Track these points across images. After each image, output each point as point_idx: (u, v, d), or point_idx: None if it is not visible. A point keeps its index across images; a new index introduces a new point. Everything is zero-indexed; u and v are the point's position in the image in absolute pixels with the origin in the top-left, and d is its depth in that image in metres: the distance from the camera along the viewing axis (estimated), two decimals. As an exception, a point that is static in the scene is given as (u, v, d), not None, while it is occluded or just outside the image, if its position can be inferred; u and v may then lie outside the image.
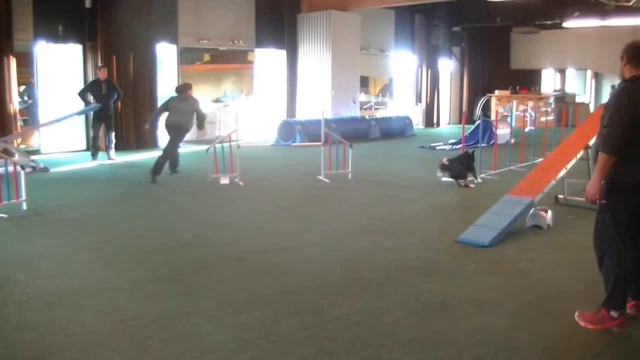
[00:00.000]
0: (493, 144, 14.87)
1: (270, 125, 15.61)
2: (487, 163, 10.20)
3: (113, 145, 11.64)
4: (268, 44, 16.31)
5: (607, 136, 3.44)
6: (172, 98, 9.56)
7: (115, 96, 11.50)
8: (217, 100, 16.52)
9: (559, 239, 5.86)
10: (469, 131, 15.41)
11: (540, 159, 12.03)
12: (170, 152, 9.39)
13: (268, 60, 16.68)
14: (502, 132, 15.20)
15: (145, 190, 8.64)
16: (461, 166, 8.96)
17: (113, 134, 11.64)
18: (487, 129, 15.17)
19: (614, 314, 3.61)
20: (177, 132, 9.36)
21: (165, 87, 13.75)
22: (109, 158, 11.48)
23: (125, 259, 5.20)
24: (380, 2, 16.85)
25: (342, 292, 4.33)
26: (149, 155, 11.37)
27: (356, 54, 16.93)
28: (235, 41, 15.71)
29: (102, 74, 11.38)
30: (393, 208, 7.41)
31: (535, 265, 5.04)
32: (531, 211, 6.23)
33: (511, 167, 10.77)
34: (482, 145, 14.68)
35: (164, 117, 9.51)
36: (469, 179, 9.05)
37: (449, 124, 22.64)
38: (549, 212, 6.31)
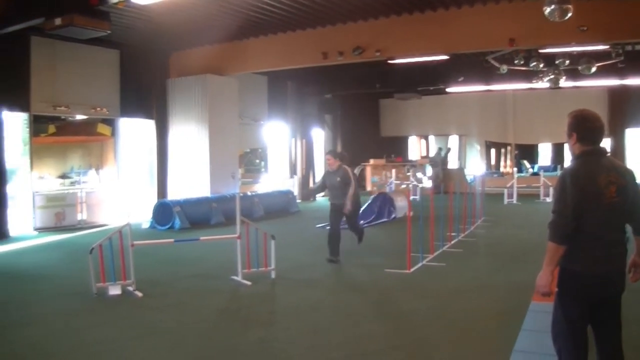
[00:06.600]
0: (394, 218, 13.82)
1: (139, 206, 13.12)
2: (425, 245, 8.61)
3: None
4: (134, 112, 14.03)
5: (552, 224, 3.11)
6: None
7: None
8: (63, 176, 14.65)
9: None
10: (364, 205, 14.16)
11: (463, 234, 10.94)
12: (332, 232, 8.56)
13: (134, 130, 14.36)
14: (400, 204, 14.21)
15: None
16: None
17: None
18: (386, 202, 14.12)
19: None
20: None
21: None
22: None
23: None
24: (253, 67, 15.19)
25: None
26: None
27: (234, 122, 15.12)
28: (98, 109, 13.24)
29: None
30: (382, 329, 5.50)
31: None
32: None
33: (444, 249, 9.46)
34: (383, 220, 13.64)
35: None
36: None
37: (324, 196, 21.39)
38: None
